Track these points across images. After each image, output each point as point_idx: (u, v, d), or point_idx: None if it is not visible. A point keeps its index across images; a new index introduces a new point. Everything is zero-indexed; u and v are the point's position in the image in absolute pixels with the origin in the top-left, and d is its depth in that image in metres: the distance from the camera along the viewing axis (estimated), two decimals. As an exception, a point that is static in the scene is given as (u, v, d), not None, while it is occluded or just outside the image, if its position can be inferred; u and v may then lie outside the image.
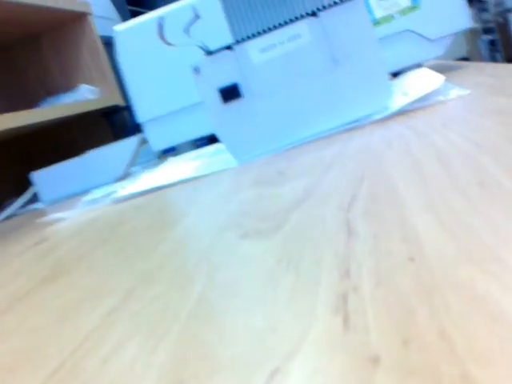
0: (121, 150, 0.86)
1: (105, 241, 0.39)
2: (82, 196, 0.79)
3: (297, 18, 0.56)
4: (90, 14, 1.36)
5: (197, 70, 0.58)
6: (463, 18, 0.59)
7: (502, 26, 3.04)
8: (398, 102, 0.54)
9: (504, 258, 0.16)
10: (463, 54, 3.61)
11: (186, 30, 0.59)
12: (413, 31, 0.62)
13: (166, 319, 0.20)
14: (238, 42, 0.57)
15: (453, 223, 0.20)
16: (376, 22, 0.62)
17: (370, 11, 0.66)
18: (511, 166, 0.25)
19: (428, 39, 0.61)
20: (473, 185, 0.24)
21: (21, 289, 0.33)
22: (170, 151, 1.03)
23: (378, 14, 0.62)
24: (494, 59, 3.27)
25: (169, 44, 0.57)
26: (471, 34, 3.53)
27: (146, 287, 0.25)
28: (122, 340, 0.20)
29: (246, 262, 0.24)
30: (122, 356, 0.18)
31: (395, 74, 0.77)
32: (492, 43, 3.31)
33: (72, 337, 0.22)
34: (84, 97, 1.26)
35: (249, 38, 0.57)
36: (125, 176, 0.86)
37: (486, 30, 3.36)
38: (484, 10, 3.32)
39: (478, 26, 3.36)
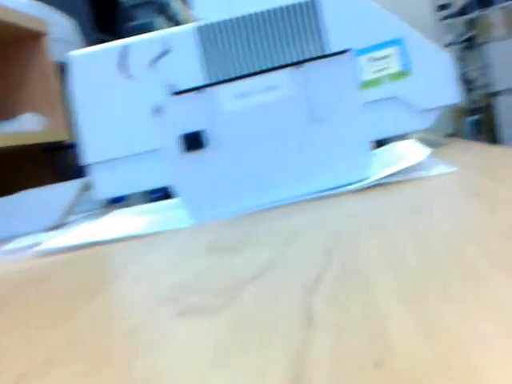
0: (59, 193, 0.83)
1: (6, 305, 0.36)
2: (1, 244, 0.76)
3: (278, 67, 0.57)
4: (46, 34, 1.36)
5: (158, 111, 0.57)
6: (453, 92, 0.61)
7: (487, 109, 3.22)
8: (379, 172, 0.54)
9: (489, 375, 0.15)
10: (450, 130, 3.80)
11: (152, 65, 0.58)
12: (401, 99, 0.63)
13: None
14: (209, 84, 0.57)
15: (429, 320, 0.19)
16: (363, 85, 0.64)
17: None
18: (496, 254, 0.24)
19: (416, 109, 0.63)
20: (453, 275, 0.23)
21: None
22: (119, 201, 1.01)
23: (367, 75, 0.64)
24: (477, 139, 3.44)
25: (128, 77, 0.57)
26: (458, 112, 3.73)
27: (43, 372, 0.22)
28: None
29: (176, 347, 0.22)
30: None
31: (379, 143, 0.78)
32: (477, 123, 3.50)
33: None
34: (25, 127, 1.24)
35: (222, 81, 0.57)
36: (60, 225, 0.83)
37: (473, 110, 3.55)
38: (471, 89, 3.51)
39: (465, 104, 3.55)
